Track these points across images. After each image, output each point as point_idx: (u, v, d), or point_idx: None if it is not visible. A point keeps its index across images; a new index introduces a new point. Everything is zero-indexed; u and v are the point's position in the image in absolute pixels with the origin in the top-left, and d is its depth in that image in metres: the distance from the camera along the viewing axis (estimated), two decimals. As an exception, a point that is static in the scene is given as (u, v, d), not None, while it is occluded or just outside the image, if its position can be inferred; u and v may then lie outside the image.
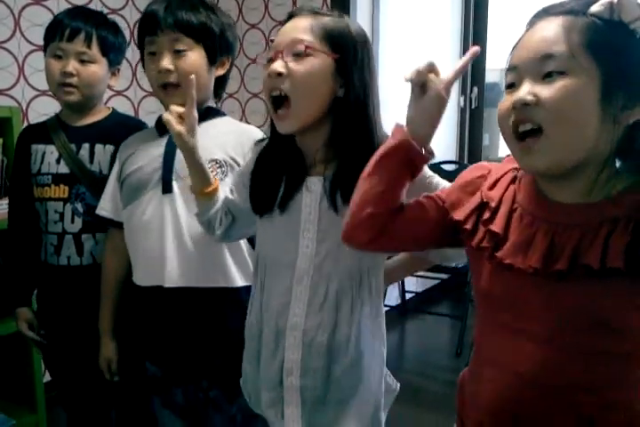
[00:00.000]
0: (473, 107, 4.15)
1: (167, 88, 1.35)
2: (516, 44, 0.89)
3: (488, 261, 0.92)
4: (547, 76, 0.82)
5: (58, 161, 1.57)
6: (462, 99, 4.13)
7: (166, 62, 1.33)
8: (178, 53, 1.34)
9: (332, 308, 1.11)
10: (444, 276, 3.57)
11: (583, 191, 0.86)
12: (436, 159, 3.92)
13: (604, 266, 0.80)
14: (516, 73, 0.86)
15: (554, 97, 0.80)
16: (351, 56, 1.08)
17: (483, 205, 0.95)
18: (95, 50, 1.54)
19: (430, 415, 2.53)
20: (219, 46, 1.39)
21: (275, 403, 1.17)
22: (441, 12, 3.90)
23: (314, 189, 1.11)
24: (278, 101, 1.08)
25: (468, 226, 0.95)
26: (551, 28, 0.83)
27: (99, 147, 1.57)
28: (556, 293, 0.85)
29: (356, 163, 1.06)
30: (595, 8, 0.81)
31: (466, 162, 3.99)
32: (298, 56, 1.06)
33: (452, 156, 4.14)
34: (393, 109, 3.55)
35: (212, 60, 1.39)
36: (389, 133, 1.02)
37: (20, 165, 1.64)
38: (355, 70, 1.08)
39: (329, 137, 1.11)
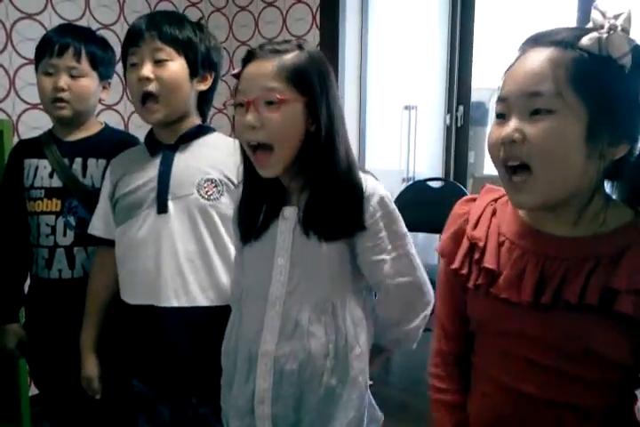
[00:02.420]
0: (459, 125, 4.20)
1: (146, 102, 1.35)
2: (508, 70, 0.89)
3: (484, 297, 0.95)
4: (534, 113, 0.83)
5: (51, 175, 1.58)
6: (448, 117, 4.18)
7: (146, 70, 1.33)
8: (159, 63, 1.34)
9: (303, 336, 1.12)
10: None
11: (571, 223, 0.87)
12: (423, 176, 3.94)
13: (581, 302, 0.83)
14: (505, 105, 0.87)
15: (539, 136, 0.81)
16: (318, 93, 1.10)
17: (472, 247, 0.97)
18: (85, 64, 1.56)
19: (418, 431, 2.51)
20: (201, 60, 1.40)
21: None
22: (427, 34, 3.95)
23: (288, 217, 1.13)
24: (256, 146, 1.10)
25: (464, 270, 0.97)
26: (539, 62, 0.83)
27: (91, 161, 1.58)
28: (547, 322, 0.87)
29: (327, 192, 1.09)
30: (584, 42, 0.81)
31: (452, 179, 4.03)
32: (270, 104, 1.07)
33: (439, 173, 4.17)
34: (377, 119, 3.60)
35: (194, 73, 1.39)
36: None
37: (12, 180, 1.64)
38: (323, 106, 1.10)
39: (299, 167, 1.13)
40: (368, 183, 1.12)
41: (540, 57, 0.84)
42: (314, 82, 1.09)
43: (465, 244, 0.98)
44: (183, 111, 1.41)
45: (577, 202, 0.86)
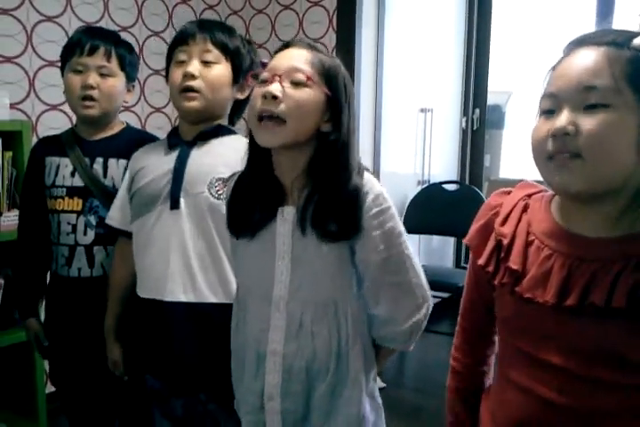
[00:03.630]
0: (475, 128, 4.19)
1: (187, 92, 1.38)
2: (554, 68, 0.88)
3: (509, 295, 0.94)
4: (589, 108, 0.81)
5: (72, 174, 1.60)
6: (464, 120, 4.17)
7: (193, 68, 1.37)
8: (206, 64, 1.39)
9: (307, 335, 1.13)
10: (444, 295, 3.57)
11: (605, 224, 0.86)
12: (438, 180, 3.96)
13: (609, 304, 0.81)
14: (554, 100, 0.85)
15: (595, 129, 0.80)
16: (342, 94, 1.12)
17: (499, 244, 0.95)
18: (114, 64, 1.58)
19: (430, 433, 2.52)
20: (245, 69, 1.44)
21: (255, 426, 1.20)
22: (443, 37, 3.96)
23: (287, 217, 1.13)
24: (267, 117, 1.09)
25: (490, 268, 0.96)
26: (593, 58, 0.82)
27: (112, 161, 1.60)
28: (572, 326, 0.86)
29: (329, 195, 1.09)
30: (638, 42, 0.81)
31: (467, 182, 4.02)
32: (296, 84, 1.08)
33: (454, 176, 4.17)
34: (393, 121, 3.60)
35: (236, 79, 1.43)
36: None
37: (33, 177, 1.66)
38: (344, 109, 1.11)
39: (307, 167, 1.13)
40: (365, 182, 1.12)
41: (594, 54, 0.83)
42: (340, 83, 1.12)
43: (492, 239, 0.97)
44: (217, 111, 1.43)
45: (619, 201, 0.84)
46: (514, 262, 0.91)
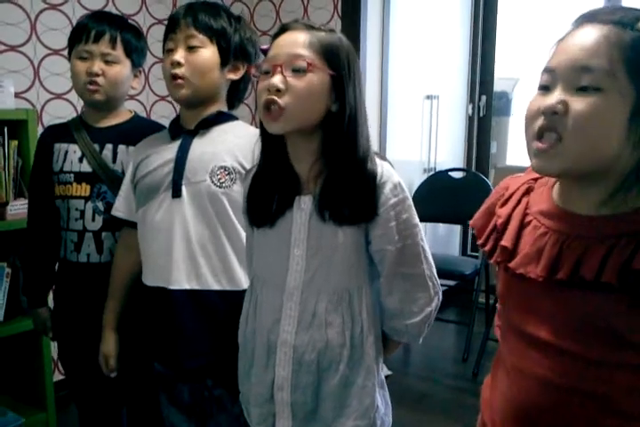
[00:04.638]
0: (481, 115, 4.17)
1: (176, 79, 1.38)
2: (559, 41, 0.87)
3: (504, 272, 0.95)
4: (581, 89, 0.81)
5: (80, 160, 1.60)
6: (470, 107, 4.15)
7: (178, 56, 1.37)
8: (191, 49, 1.38)
9: (321, 325, 1.12)
10: (450, 282, 3.58)
11: (599, 203, 0.86)
12: (444, 167, 3.94)
13: (598, 279, 0.81)
14: (551, 76, 0.85)
15: (582, 112, 0.80)
16: (346, 72, 1.10)
17: (496, 224, 0.98)
18: (119, 51, 1.58)
19: (436, 421, 2.53)
20: (233, 49, 1.42)
21: (265, 418, 1.20)
22: (450, 23, 3.93)
23: (304, 207, 1.13)
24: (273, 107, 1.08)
25: (487, 247, 0.98)
26: (594, 37, 0.81)
27: (122, 147, 1.60)
28: (562, 301, 0.87)
29: (343, 175, 1.09)
30: None
31: (474, 170, 4.01)
32: (297, 72, 1.07)
33: (460, 163, 4.16)
34: (399, 108, 3.58)
35: (225, 61, 1.42)
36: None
37: (42, 164, 1.67)
38: (349, 86, 1.10)
39: (321, 150, 1.12)
40: (383, 170, 1.11)
41: (596, 32, 0.82)
42: (343, 59, 1.10)
43: (493, 221, 0.99)
44: (209, 95, 1.43)
45: (609, 182, 0.85)
46: (506, 240, 0.93)
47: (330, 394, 1.14)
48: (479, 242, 1.01)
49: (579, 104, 0.81)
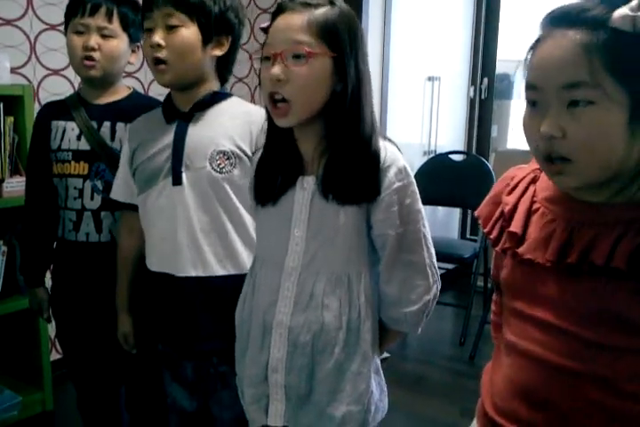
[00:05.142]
0: (483, 98, 4.14)
1: (158, 65, 1.34)
2: (533, 50, 0.85)
3: (511, 259, 0.94)
4: (572, 104, 0.79)
5: (78, 138, 1.57)
6: (472, 89, 4.11)
7: (158, 37, 1.32)
8: (170, 29, 1.33)
9: (318, 307, 1.11)
10: (449, 266, 3.58)
11: (611, 195, 0.86)
12: (445, 150, 3.92)
13: (608, 265, 0.81)
14: (536, 93, 0.83)
15: (581, 132, 0.79)
16: (348, 50, 1.07)
17: (503, 212, 0.97)
18: (116, 24, 1.54)
19: (433, 403, 2.54)
20: (215, 25, 1.37)
21: (259, 399, 1.19)
22: (452, 3, 3.88)
23: (307, 186, 1.12)
24: (277, 99, 1.07)
25: (493, 235, 0.97)
26: (569, 48, 0.79)
27: (120, 125, 1.57)
28: (570, 286, 0.86)
29: (347, 154, 1.07)
30: (616, 21, 0.76)
31: (474, 152, 3.99)
32: (297, 58, 1.04)
33: (461, 146, 4.14)
34: (400, 90, 3.54)
35: (207, 39, 1.36)
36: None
37: (39, 142, 1.64)
38: (351, 64, 1.07)
39: (324, 130, 1.11)
40: (387, 153, 1.09)
41: (569, 42, 0.79)
42: (344, 38, 1.07)
43: (499, 209, 0.98)
44: (196, 76, 1.39)
45: (622, 180, 0.84)
46: (514, 226, 0.93)
47: (324, 378, 1.13)
48: (485, 230, 1.00)
49: (574, 125, 0.79)
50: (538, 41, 0.85)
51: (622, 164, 0.82)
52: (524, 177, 0.98)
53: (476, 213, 1.05)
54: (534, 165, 0.99)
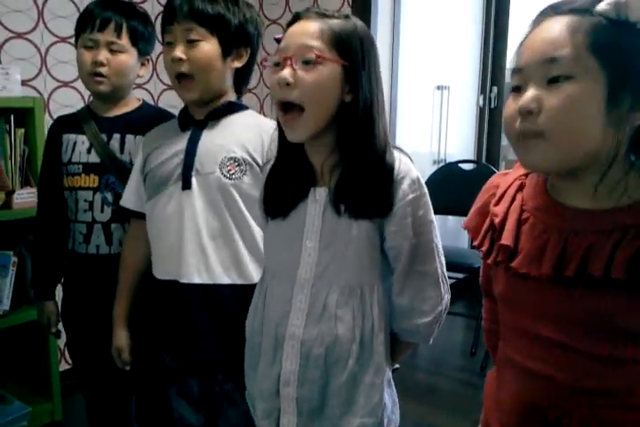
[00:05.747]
0: (492, 106, 4.13)
1: (181, 80, 1.36)
2: (522, 42, 0.87)
3: (504, 272, 0.93)
4: (552, 81, 0.80)
5: (89, 151, 1.59)
6: (481, 98, 4.11)
7: (179, 52, 1.33)
8: (191, 43, 1.34)
9: (331, 319, 1.10)
10: (459, 275, 3.55)
11: (597, 195, 0.84)
12: (454, 159, 3.91)
13: (607, 275, 0.80)
14: (521, 76, 0.84)
15: (558, 106, 0.79)
16: (359, 61, 1.07)
17: (493, 224, 0.95)
18: (125, 39, 1.56)
19: (443, 415, 2.51)
20: (235, 38, 1.38)
21: (270, 413, 1.17)
22: (461, 12, 3.88)
23: (319, 198, 1.11)
24: (287, 107, 1.07)
25: (484, 247, 0.96)
26: (556, 29, 0.81)
27: (129, 137, 1.58)
28: (569, 298, 0.85)
29: (360, 168, 1.07)
30: (600, 7, 0.78)
31: (484, 161, 3.97)
32: (307, 64, 1.04)
33: (470, 155, 4.12)
34: (409, 99, 3.54)
35: (227, 52, 1.38)
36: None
37: (51, 155, 1.65)
38: (363, 76, 1.07)
39: (335, 143, 1.10)
40: (401, 164, 1.09)
41: (557, 24, 0.81)
42: (356, 49, 1.07)
43: (488, 220, 0.97)
44: (218, 90, 1.40)
45: (596, 169, 0.83)
46: (505, 239, 0.91)
47: (337, 391, 1.12)
48: (475, 243, 0.98)
49: (552, 98, 0.80)
50: (526, 36, 0.87)
51: (596, 150, 0.81)
52: (510, 185, 0.97)
53: (463, 226, 1.04)
54: (518, 171, 0.98)
